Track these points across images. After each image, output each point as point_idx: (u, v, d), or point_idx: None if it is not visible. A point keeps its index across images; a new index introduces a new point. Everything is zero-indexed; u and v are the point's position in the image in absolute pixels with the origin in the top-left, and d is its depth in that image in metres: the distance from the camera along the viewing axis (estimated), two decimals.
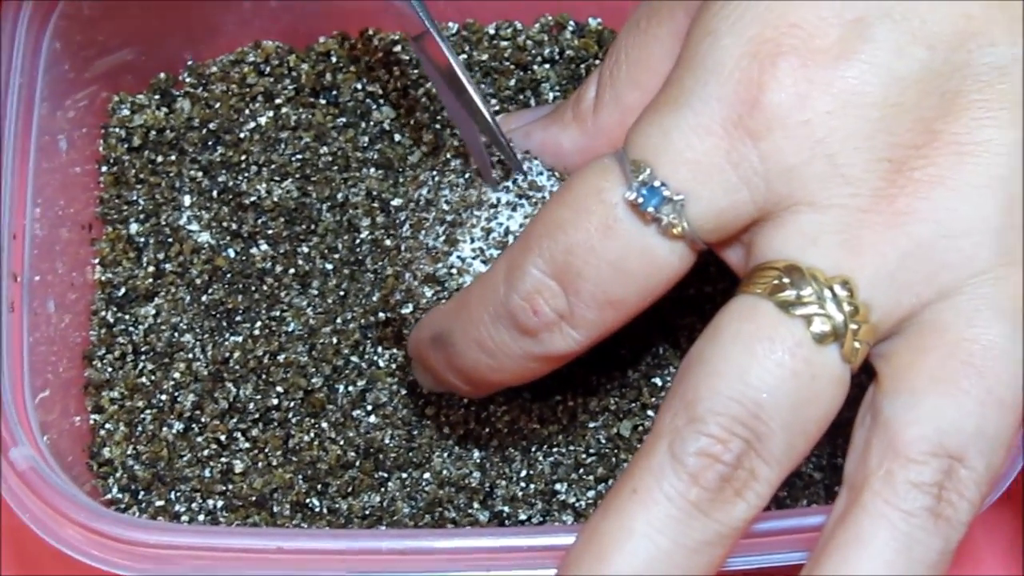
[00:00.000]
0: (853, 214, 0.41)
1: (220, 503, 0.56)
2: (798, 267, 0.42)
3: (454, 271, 0.50)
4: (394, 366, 0.58)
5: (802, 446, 0.42)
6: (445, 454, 0.56)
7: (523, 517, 0.55)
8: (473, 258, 0.50)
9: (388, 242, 0.57)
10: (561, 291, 0.44)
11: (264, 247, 0.59)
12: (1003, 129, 0.41)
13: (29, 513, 0.50)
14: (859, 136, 0.41)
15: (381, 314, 0.56)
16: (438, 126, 0.61)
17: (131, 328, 0.59)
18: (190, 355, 0.58)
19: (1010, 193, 0.42)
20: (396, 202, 0.60)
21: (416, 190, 0.53)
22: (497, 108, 0.61)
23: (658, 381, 0.57)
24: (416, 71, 0.62)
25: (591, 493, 0.55)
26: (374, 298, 0.58)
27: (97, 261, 0.60)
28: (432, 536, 0.50)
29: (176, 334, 0.58)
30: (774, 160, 0.42)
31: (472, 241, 0.50)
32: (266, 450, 0.56)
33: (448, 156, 0.53)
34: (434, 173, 0.52)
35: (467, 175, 0.51)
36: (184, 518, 0.55)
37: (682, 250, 0.44)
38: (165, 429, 0.57)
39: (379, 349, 0.58)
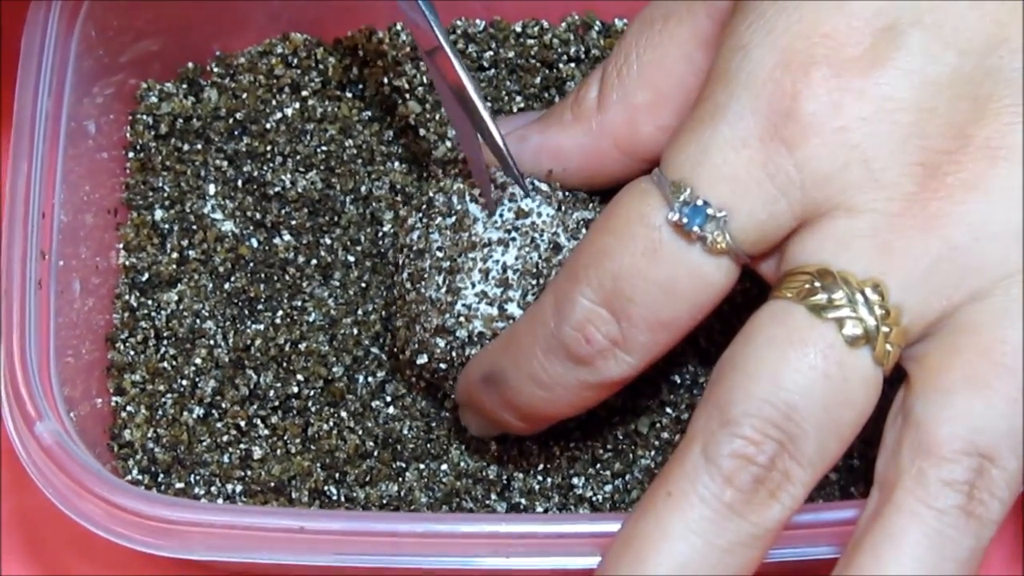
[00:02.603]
0: (886, 218, 0.42)
1: (239, 488, 0.56)
2: (829, 271, 0.42)
3: (462, 319, 0.51)
4: None
5: (835, 448, 0.42)
6: (463, 446, 0.57)
7: (540, 509, 0.55)
8: (478, 303, 0.50)
9: None
10: (612, 318, 0.45)
11: (287, 237, 0.60)
12: None
13: (52, 488, 0.50)
14: (893, 141, 0.42)
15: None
16: None
17: (154, 313, 0.59)
18: (211, 341, 0.58)
19: None
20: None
21: (407, 235, 0.53)
22: (522, 105, 0.62)
23: (676, 378, 0.57)
24: None
25: (608, 488, 0.55)
26: (395, 290, 0.59)
27: (121, 246, 0.60)
28: (452, 520, 0.50)
29: (198, 320, 0.58)
30: (810, 168, 0.42)
31: (473, 286, 0.51)
32: (285, 437, 0.57)
33: (432, 193, 0.53)
34: (420, 215, 0.53)
35: (452, 217, 0.52)
36: (203, 501, 0.55)
37: (727, 265, 0.44)
38: (185, 414, 0.57)
39: None
